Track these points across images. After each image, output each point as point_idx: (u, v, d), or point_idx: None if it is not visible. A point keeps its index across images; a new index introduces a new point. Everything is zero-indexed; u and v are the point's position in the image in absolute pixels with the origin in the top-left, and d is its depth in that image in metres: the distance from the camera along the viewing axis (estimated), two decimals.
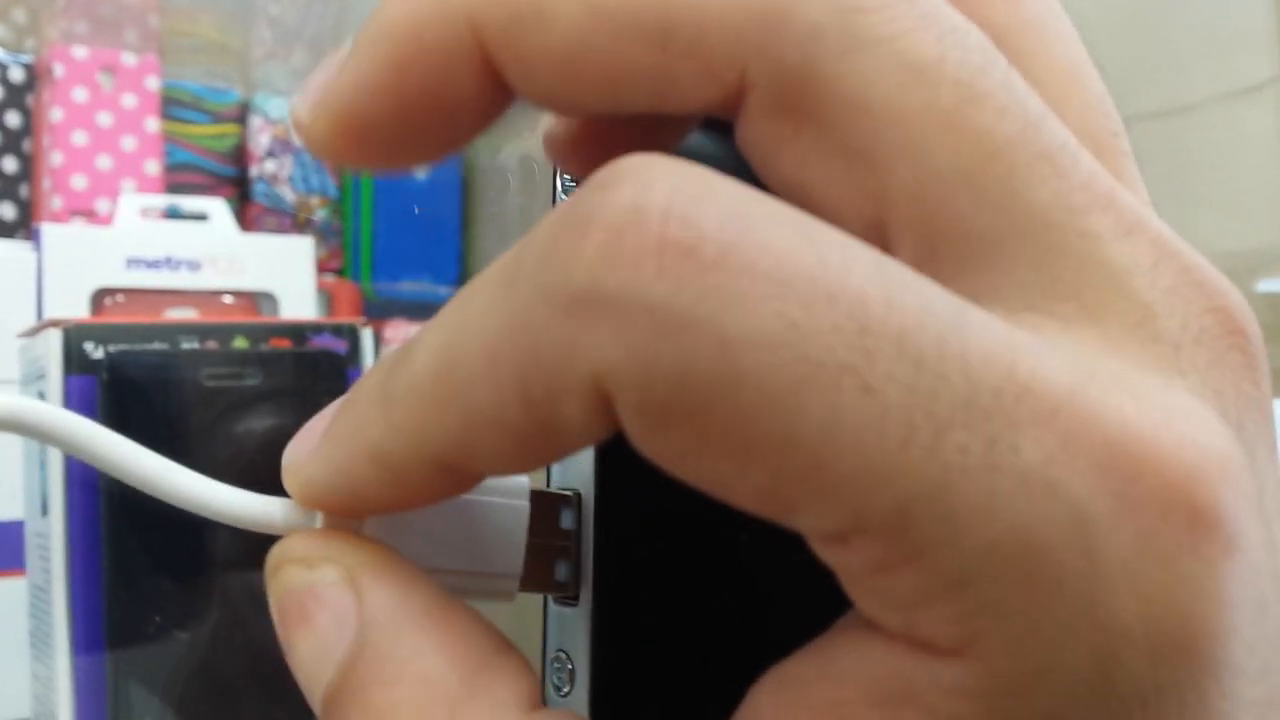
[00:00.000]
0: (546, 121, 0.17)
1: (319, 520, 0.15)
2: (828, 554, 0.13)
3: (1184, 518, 0.12)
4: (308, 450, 0.15)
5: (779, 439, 0.11)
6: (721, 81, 0.13)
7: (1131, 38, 0.64)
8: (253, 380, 0.47)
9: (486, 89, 0.14)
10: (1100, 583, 0.12)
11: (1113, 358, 0.13)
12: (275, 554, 0.15)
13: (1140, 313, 0.13)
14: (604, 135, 0.16)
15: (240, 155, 1.02)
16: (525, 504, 0.17)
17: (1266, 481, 0.13)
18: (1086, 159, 0.14)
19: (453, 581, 0.16)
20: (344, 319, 0.59)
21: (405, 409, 0.14)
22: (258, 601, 0.49)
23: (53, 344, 0.46)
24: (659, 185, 0.12)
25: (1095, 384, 0.12)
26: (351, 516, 0.15)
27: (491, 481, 0.17)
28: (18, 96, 0.91)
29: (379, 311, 0.99)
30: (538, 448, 0.13)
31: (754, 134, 0.14)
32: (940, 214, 0.13)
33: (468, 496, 0.16)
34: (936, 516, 0.11)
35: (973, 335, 0.12)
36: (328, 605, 0.14)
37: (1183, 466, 0.12)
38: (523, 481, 0.17)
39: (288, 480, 0.15)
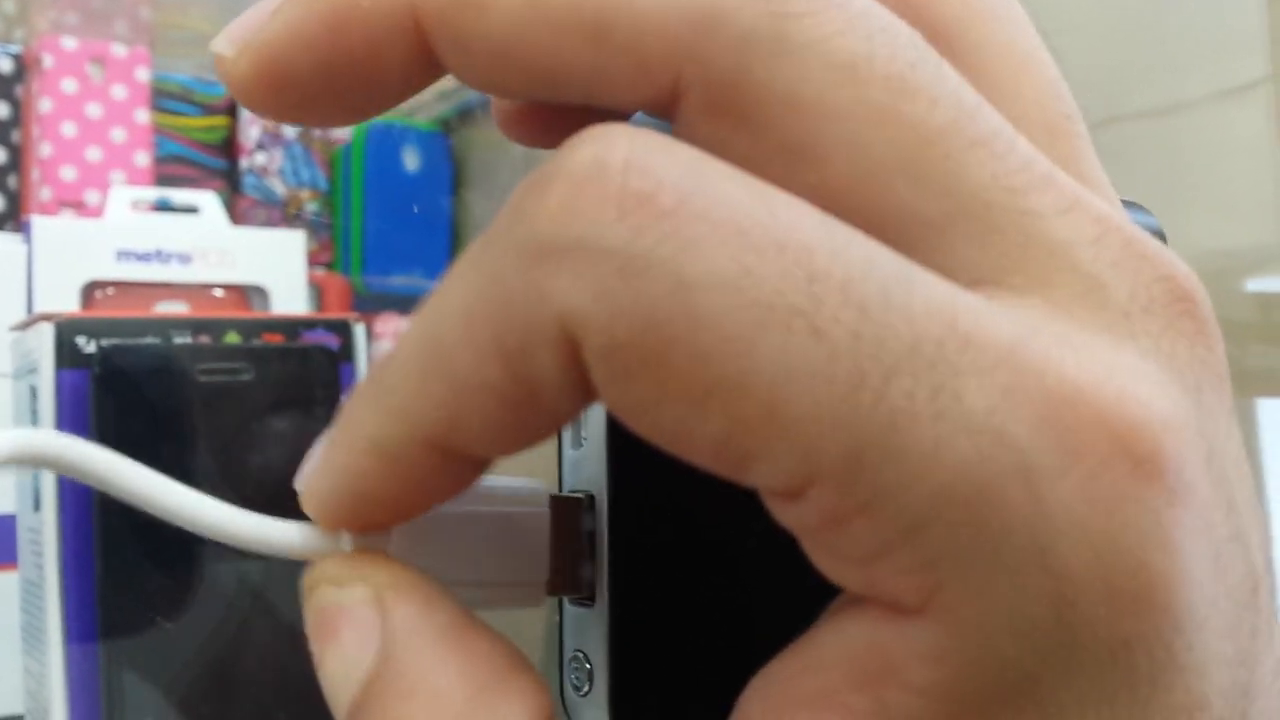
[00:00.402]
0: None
1: (348, 543, 0.16)
2: (785, 513, 0.13)
3: (1127, 467, 0.12)
4: (313, 465, 0.15)
5: (735, 382, 0.12)
6: (656, 82, 0.14)
7: (1123, 37, 0.64)
8: (245, 375, 0.47)
9: (416, 63, 0.15)
10: (1049, 529, 0.12)
11: (1058, 320, 0.13)
12: (311, 575, 0.16)
13: (1087, 283, 0.13)
14: (550, 110, 0.17)
15: (230, 148, 1.02)
16: (545, 511, 0.17)
17: (1226, 444, 0.14)
18: (1023, 144, 0.14)
19: (481, 594, 0.17)
20: (334, 313, 0.59)
21: (395, 391, 0.14)
22: (250, 595, 0.49)
23: (44, 338, 0.45)
24: (619, 143, 0.12)
25: (1037, 340, 0.12)
26: (363, 521, 0.15)
27: (511, 492, 0.17)
28: (7, 87, 0.91)
29: (370, 305, 0.99)
30: (522, 414, 0.13)
31: (692, 134, 0.14)
32: (882, 202, 0.13)
33: (489, 509, 0.17)
34: (886, 462, 0.12)
35: (916, 289, 0.12)
36: (355, 622, 0.15)
37: (1123, 417, 0.12)
38: (541, 489, 0.17)
39: (302, 502, 0.15)
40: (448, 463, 0.14)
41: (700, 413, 0.12)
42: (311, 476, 0.15)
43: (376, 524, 0.15)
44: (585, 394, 0.13)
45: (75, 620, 0.45)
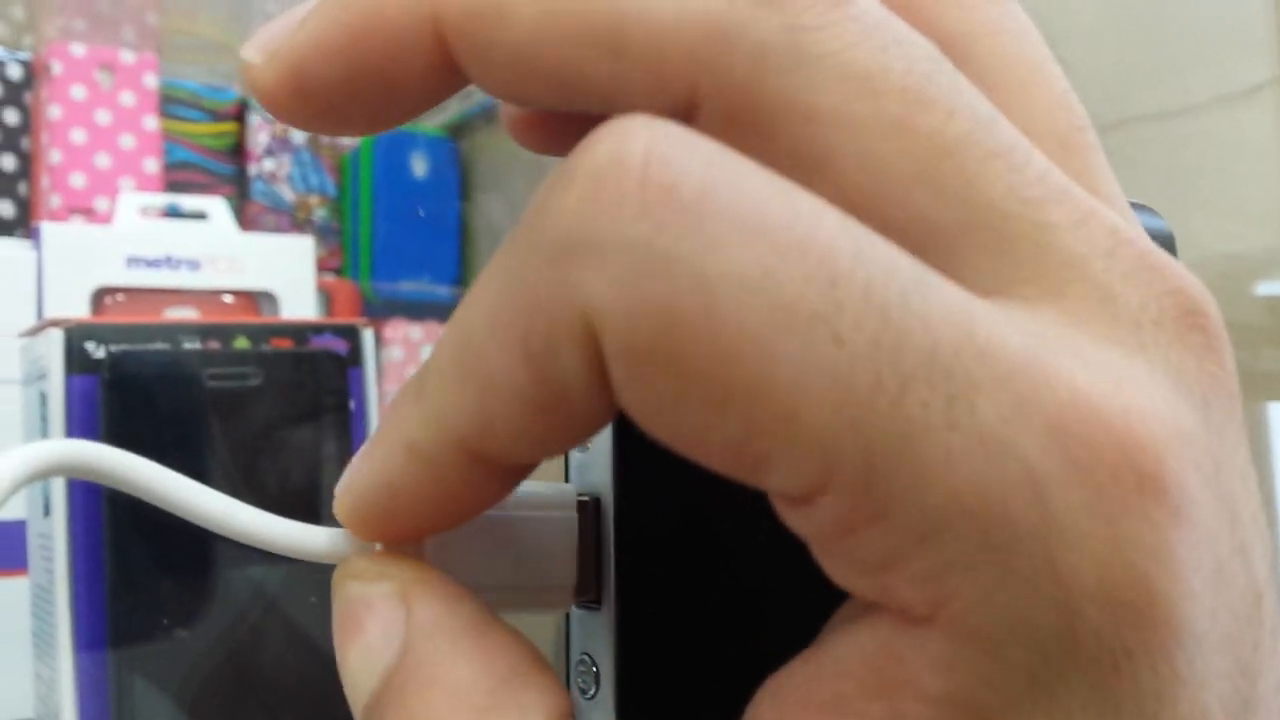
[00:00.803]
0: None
1: (379, 546, 0.16)
2: (796, 520, 0.13)
3: (1132, 482, 0.12)
4: (350, 467, 0.15)
5: (754, 386, 0.12)
6: (672, 93, 0.14)
7: (1129, 40, 0.64)
8: (254, 380, 0.47)
9: (438, 71, 0.15)
10: (1056, 540, 0.12)
11: (1071, 331, 0.13)
12: (339, 572, 0.16)
13: (1099, 294, 0.13)
14: (561, 116, 0.17)
15: (239, 154, 1.02)
16: (573, 515, 0.17)
17: (1232, 458, 0.14)
18: (1038, 157, 0.14)
19: (510, 597, 0.17)
20: (343, 319, 0.59)
21: (431, 393, 0.14)
22: (260, 601, 0.49)
23: (54, 344, 0.46)
24: (639, 136, 0.12)
25: (1049, 352, 0.13)
26: (392, 524, 0.15)
27: (540, 496, 0.17)
28: (16, 94, 0.91)
29: (378, 311, 0.99)
30: (551, 419, 0.13)
31: None
32: (898, 212, 0.13)
33: (518, 513, 0.17)
34: (900, 470, 0.12)
35: (934, 296, 0.12)
36: (379, 617, 0.15)
37: (1129, 433, 0.12)
38: (569, 494, 0.18)
39: (335, 506, 0.16)
40: (481, 470, 0.14)
41: (718, 416, 0.12)
42: (347, 477, 0.15)
43: (408, 532, 0.15)
44: (609, 399, 0.13)
45: (85, 626, 0.46)
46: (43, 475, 0.15)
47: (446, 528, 0.16)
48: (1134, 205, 0.17)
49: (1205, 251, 0.58)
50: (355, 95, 0.15)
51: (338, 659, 0.15)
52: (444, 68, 0.15)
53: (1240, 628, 0.13)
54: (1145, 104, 0.62)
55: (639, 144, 0.12)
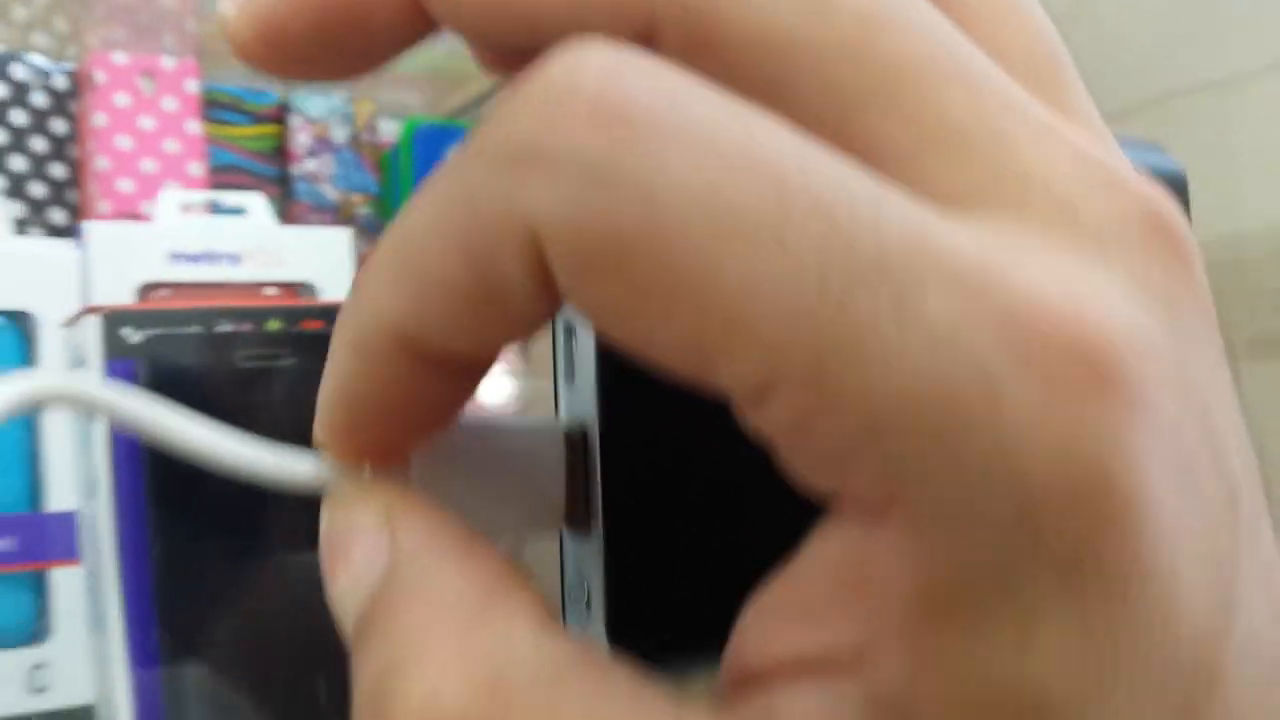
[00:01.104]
0: None
1: (367, 474, 0.16)
2: (755, 420, 0.13)
3: (1085, 374, 0.12)
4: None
5: (700, 287, 0.12)
6: (631, 23, 0.14)
7: (1175, 10, 0.63)
8: (287, 361, 0.48)
9: (407, 15, 0.15)
10: (1009, 434, 0.12)
11: (1028, 238, 0.13)
12: (325, 500, 0.16)
13: (1060, 206, 0.13)
14: (530, 57, 0.17)
15: (281, 155, 1.03)
16: (559, 438, 0.18)
17: (1201, 357, 0.13)
18: (1000, 75, 0.14)
19: (496, 520, 0.17)
20: None
21: (368, 290, 0.15)
22: (308, 575, 0.49)
23: (91, 330, 0.47)
24: (595, 56, 0.13)
25: (1003, 256, 0.12)
26: (358, 434, 0.16)
27: (527, 427, 0.18)
28: (63, 103, 0.93)
29: None
30: (487, 315, 0.14)
31: None
32: (854, 133, 0.13)
33: (505, 443, 0.17)
34: (849, 366, 0.12)
35: (885, 208, 0.12)
36: (364, 541, 0.15)
37: (1083, 330, 0.12)
38: (557, 424, 0.18)
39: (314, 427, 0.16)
40: (425, 367, 0.15)
41: (664, 318, 0.12)
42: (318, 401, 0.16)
43: (376, 441, 0.16)
44: (551, 299, 0.13)
45: (133, 605, 0.46)
46: (28, 406, 0.16)
47: (416, 435, 0.16)
48: (1143, 144, 0.17)
49: (1255, 219, 0.57)
50: (326, 41, 0.16)
51: (326, 585, 0.16)
52: (412, 10, 0.15)
53: (1214, 527, 0.13)
54: (1192, 74, 0.61)
55: (594, 63, 0.13)
